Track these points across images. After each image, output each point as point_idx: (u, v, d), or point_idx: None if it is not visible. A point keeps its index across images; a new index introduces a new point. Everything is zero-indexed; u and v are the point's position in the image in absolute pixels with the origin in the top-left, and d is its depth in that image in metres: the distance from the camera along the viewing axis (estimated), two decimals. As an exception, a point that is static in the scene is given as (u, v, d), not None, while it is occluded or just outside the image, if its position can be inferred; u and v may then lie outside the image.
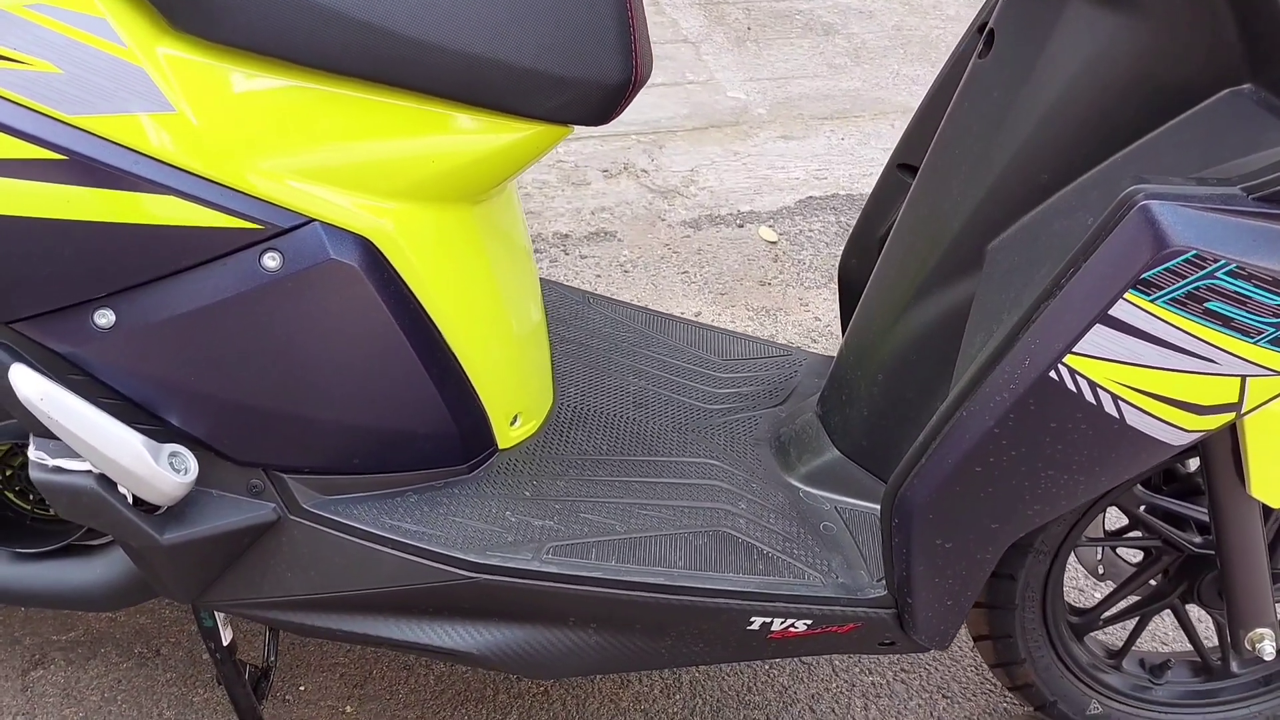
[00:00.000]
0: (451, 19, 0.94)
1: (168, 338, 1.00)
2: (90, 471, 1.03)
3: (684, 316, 1.59)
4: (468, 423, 1.13)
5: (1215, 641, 1.38)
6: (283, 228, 0.98)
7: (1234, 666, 1.36)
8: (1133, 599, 1.33)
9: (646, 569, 1.11)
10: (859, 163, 2.67)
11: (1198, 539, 1.22)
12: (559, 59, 0.98)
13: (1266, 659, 1.16)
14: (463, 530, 1.11)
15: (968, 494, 0.99)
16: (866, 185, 2.57)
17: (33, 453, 1.04)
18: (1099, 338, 0.88)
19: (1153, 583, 1.31)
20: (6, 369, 0.99)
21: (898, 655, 1.55)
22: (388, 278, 1.02)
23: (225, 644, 1.22)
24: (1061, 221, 1.01)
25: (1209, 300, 0.86)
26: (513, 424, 1.21)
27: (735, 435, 1.30)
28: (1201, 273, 0.85)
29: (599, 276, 2.24)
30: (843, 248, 1.45)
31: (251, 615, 1.17)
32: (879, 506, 1.16)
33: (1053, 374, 0.90)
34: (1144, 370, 0.89)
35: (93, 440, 0.99)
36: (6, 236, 0.94)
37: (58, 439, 1.01)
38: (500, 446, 1.20)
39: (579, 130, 1.06)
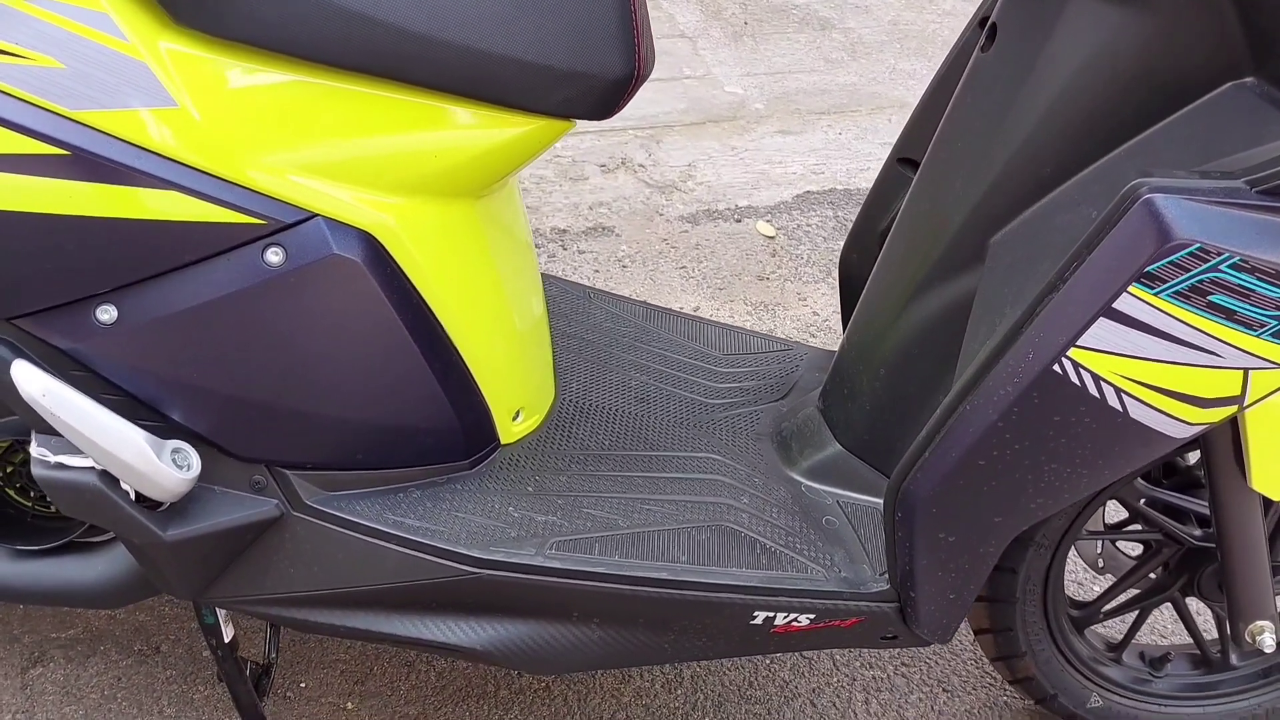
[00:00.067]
0: (454, 13, 0.94)
1: (170, 333, 1.00)
2: (92, 468, 1.03)
3: (684, 311, 1.59)
4: (470, 418, 1.13)
5: (1215, 634, 1.38)
6: (285, 223, 0.98)
7: (1234, 659, 1.37)
8: (1133, 592, 1.33)
9: (649, 564, 1.11)
10: (856, 157, 2.67)
11: (1198, 532, 1.22)
12: (562, 53, 0.98)
13: (1266, 651, 1.17)
14: (465, 526, 1.11)
15: (971, 488, 0.99)
16: (864, 180, 2.57)
17: (34, 449, 1.04)
18: (1102, 331, 0.88)
19: (1152, 576, 1.31)
20: (8, 365, 0.99)
21: (899, 649, 1.55)
22: (390, 273, 1.02)
23: (226, 641, 1.22)
24: (1064, 215, 1.01)
25: (1212, 293, 0.86)
26: (515, 419, 1.21)
27: (737, 430, 1.31)
28: (1205, 266, 0.85)
29: (597, 272, 2.24)
30: (842, 242, 1.45)
31: (254, 612, 1.17)
32: (881, 501, 1.16)
33: (1056, 367, 0.91)
34: (1147, 363, 0.89)
35: (95, 436, 0.98)
36: (8, 232, 0.94)
37: (60, 435, 1.01)
38: (503, 442, 1.20)
39: (577, 125, 1.06)
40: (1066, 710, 1.35)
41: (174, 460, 1.03)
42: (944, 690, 1.51)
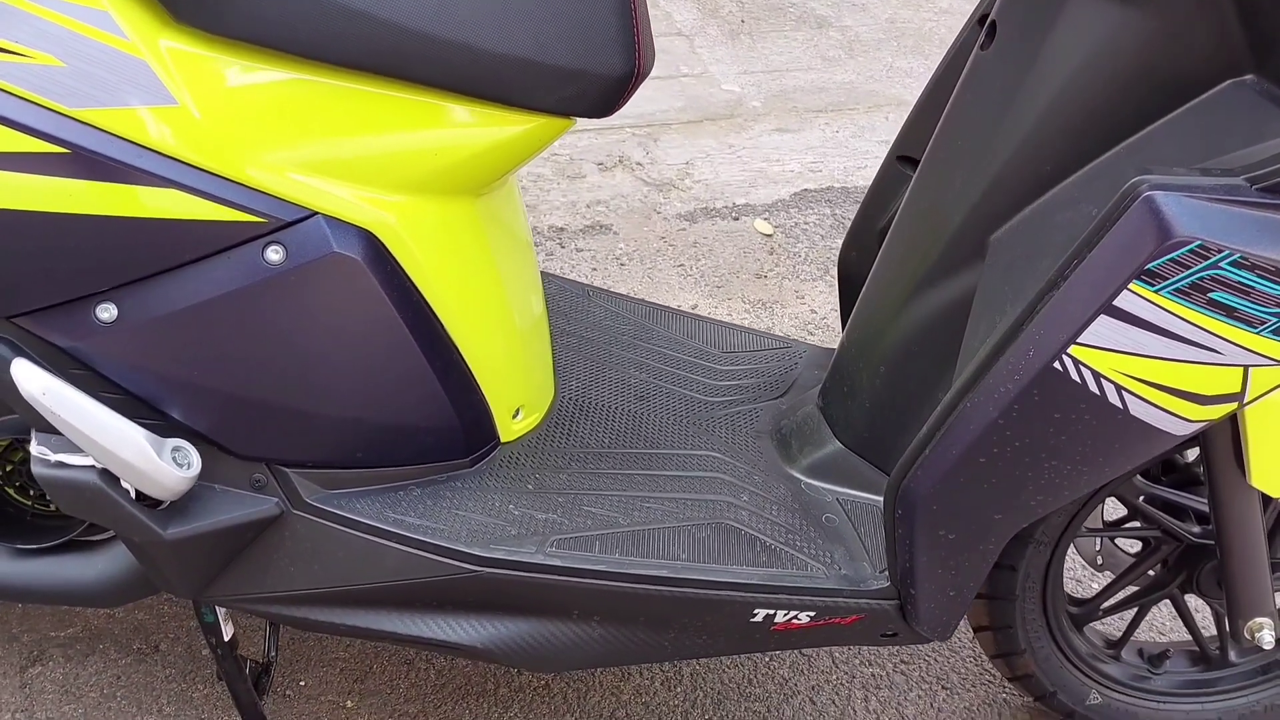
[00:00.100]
0: (454, 11, 0.94)
1: (170, 332, 1.00)
2: (93, 467, 1.03)
3: (683, 309, 1.59)
4: (470, 416, 1.13)
5: (1214, 631, 1.38)
6: (285, 221, 0.98)
7: (1232, 656, 1.37)
8: (1132, 589, 1.34)
9: (650, 562, 1.11)
10: (854, 155, 2.67)
11: (1196, 529, 1.23)
12: (562, 51, 0.98)
13: (1265, 648, 1.17)
14: (466, 524, 1.11)
15: (971, 485, 1.00)
16: (861, 178, 2.57)
17: (35, 448, 1.04)
18: (1103, 328, 0.88)
19: (1151, 573, 1.31)
20: (8, 364, 0.98)
21: (899, 647, 1.55)
22: (390, 271, 1.02)
23: (226, 639, 1.22)
24: (1065, 213, 1.01)
25: (1213, 290, 0.86)
26: (515, 417, 1.21)
27: (737, 428, 1.31)
28: (1205, 263, 0.85)
29: (595, 270, 2.24)
30: (839, 240, 1.45)
31: (254, 610, 1.17)
32: (881, 498, 1.16)
33: (1056, 365, 0.91)
34: (1148, 360, 0.89)
35: (95, 435, 0.98)
36: (8, 231, 0.94)
37: (60, 434, 1.01)
38: (503, 440, 1.20)
39: (575, 123, 1.06)
40: (1065, 707, 1.35)
41: (174, 458, 1.03)
42: (943, 687, 1.52)
